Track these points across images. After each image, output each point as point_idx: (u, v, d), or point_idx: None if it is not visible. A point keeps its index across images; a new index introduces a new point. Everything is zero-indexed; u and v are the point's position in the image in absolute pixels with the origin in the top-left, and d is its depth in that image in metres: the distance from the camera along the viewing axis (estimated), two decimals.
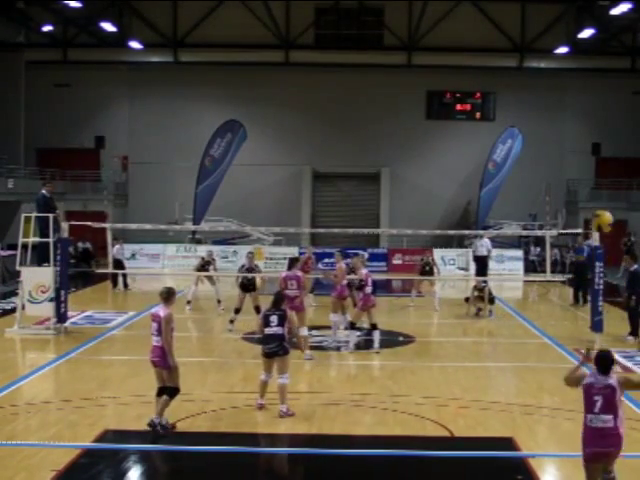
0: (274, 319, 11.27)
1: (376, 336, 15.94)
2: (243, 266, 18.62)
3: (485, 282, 23.08)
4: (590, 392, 7.45)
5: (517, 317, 21.27)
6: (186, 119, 39.31)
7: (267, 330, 11.27)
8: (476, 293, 20.92)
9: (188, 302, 21.46)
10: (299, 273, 15.45)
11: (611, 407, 7.38)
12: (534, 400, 12.11)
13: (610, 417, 7.38)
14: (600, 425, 7.39)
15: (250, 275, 18.16)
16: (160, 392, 10.32)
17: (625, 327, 17.65)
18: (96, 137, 40.20)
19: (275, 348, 11.19)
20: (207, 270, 21.54)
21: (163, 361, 10.14)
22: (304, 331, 14.99)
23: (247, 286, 18.09)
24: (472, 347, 17.56)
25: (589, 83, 39.48)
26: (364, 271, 16.22)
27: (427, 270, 21.72)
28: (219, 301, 21.29)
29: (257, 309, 17.53)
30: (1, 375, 13.41)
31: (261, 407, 11.34)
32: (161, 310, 10.23)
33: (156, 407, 10.29)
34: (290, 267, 15.55)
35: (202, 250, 33.06)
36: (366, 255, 30.11)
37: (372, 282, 16.02)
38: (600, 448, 7.42)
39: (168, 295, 10.35)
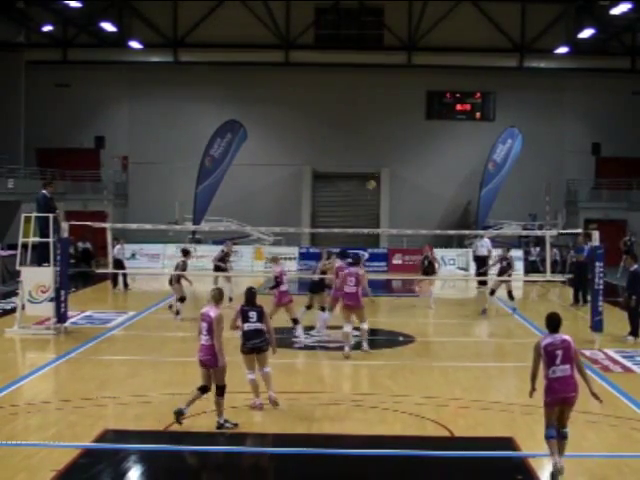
0: (253, 315, 11.39)
1: (299, 331, 16.53)
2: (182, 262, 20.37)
3: (486, 283, 23.07)
4: (551, 349, 8.76)
5: (517, 317, 21.26)
6: (186, 119, 39.31)
7: (248, 326, 11.37)
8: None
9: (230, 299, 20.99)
10: (360, 270, 15.89)
11: (569, 358, 8.75)
12: (534, 400, 12.08)
13: (568, 366, 8.73)
14: (560, 374, 8.69)
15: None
16: (203, 389, 10.58)
17: (625, 327, 17.65)
18: (96, 137, 40.18)
19: (260, 343, 11.35)
20: (226, 262, 21.23)
21: (213, 360, 10.44)
22: (365, 325, 15.82)
23: (171, 280, 19.80)
24: (472, 347, 17.57)
25: (589, 83, 39.46)
26: (278, 269, 16.90)
27: (426, 265, 21.77)
28: (231, 299, 20.65)
29: (182, 299, 19.69)
30: (1, 375, 13.41)
31: (261, 407, 11.36)
32: (211, 310, 10.53)
33: (188, 407, 10.57)
34: (353, 264, 16.15)
35: (203, 249, 33.22)
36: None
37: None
38: (563, 394, 8.70)
39: (220, 296, 10.73)
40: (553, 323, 9.02)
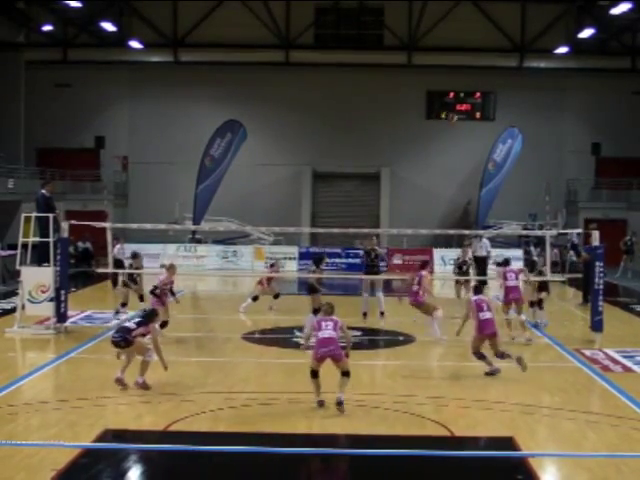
0: (135, 317, 12.89)
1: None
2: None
3: (486, 283, 22.98)
4: (480, 303, 13.78)
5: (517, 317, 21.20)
6: (186, 119, 39.31)
7: (120, 320, 13.00)
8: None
9: None
10: (423, 272, 17.03)
11: (489, 308, 13.74)
12: (534, 400, 12.11)
13: (490, 313, 13.70)
14: (486, 317, 13.61)
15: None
16: (315, 374, 11.51)
17: (625, 328, 17.65)
18: (96, 137, 40.17)
19: (116, 338, 12.41)
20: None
21: (340, 352, 11.56)
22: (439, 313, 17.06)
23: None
24: None
25: (589, 83, 39.48)
26: (162, 277, 16.81)
27: (464, 270, 21.83)
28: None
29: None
30: (1, 375, 13.39)
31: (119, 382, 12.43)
32: (334, 316, 11.96)
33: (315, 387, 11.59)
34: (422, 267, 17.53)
35: (203, 250, 33.31)
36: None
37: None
38: (489, 330, 13.58)
39: (333, 309, 12.18)
40: (477, 289, 14.62)
